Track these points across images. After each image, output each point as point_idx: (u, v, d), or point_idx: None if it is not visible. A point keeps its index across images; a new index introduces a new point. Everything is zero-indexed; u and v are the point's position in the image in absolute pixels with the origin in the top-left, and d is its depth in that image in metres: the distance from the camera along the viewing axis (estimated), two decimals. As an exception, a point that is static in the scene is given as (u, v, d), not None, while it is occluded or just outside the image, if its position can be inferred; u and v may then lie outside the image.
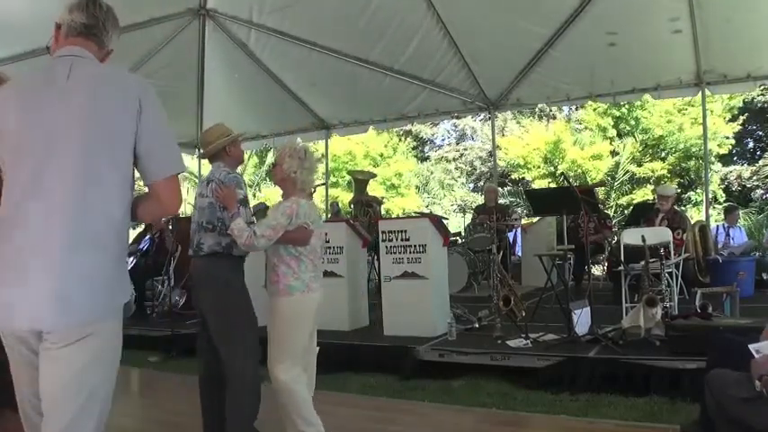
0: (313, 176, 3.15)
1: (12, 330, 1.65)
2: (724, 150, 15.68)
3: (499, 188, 11.79)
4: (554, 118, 19.09)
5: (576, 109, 17.61)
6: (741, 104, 15.55)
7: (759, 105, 16.28)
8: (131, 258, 8.02)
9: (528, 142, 17.25)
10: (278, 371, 2.92)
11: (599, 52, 7.27)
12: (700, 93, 7.79)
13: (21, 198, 1.64)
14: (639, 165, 15.56)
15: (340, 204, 11.96)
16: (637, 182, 15.54)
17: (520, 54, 7.76)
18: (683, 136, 15.11)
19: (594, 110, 16.25)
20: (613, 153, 16.06)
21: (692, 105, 14.56)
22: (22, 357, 1.67)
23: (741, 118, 15.71)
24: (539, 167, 16.76)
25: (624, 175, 15.36)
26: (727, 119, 15.25)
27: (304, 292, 2.98)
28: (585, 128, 17.17)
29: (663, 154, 15.65)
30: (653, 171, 15.26)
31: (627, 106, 15.56)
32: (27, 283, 1.58)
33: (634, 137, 15.83)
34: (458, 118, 18.60)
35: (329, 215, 11.14)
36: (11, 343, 1.67)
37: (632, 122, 16.01)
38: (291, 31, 7.60)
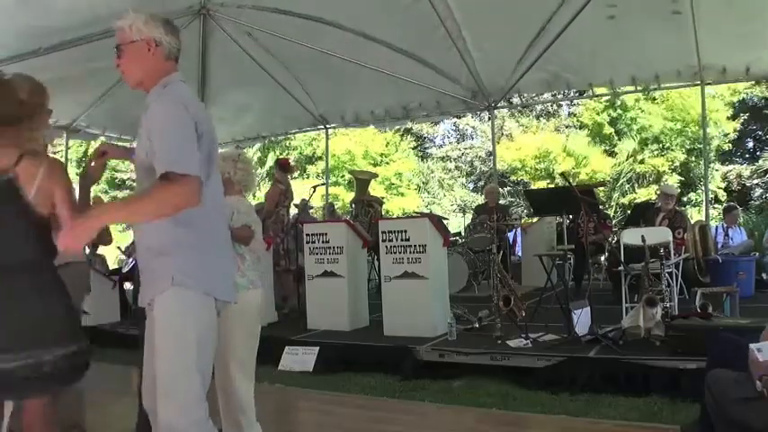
0: (250, 177, 3.22)
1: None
2: (726, 147, 15.73)
3: (500, 188, 11.80)
4: (553, 116, 19.13)
5: (574, 104, 17.67)
6: (740, 99, 15.57)
7: (756, 104, 16.30)
8: (131, 259, 8.04)
9: (520, 146, 17.33)
10: (237, 377, 2.91)
11: (599, 47, 7.26)
12: (699, 89, 7.80)
13: (221, 197, 2.17)
14: (641, 162, 15.59)
15: (340, 204, 11.94)
16: (638, 180, 15.57)
17: (520, 51, 7.72)
18: (684, 135, 15.16)
19: (592, 108, 16.31)
20: (611, 153, 16.08)
21: (693, 108, 14.58)
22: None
23: (742, 117, 15.75)
24: (536, 170, 16.82)
25: (628, 172, 15.38)
26: (728, 115, 15.28)
27: (249, 289, 3.03)
28: (582, 126, 17.22)
29: (665, 152, 15.66)
30: (653, 167, 15.29)
31: (622, 106, 15.63)
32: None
33: (632, 137, 15.85)
34: (458, 117, 18.65)
35: (325, 216, 11.12)
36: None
37: (628, 121, 16.05)
38: (291, 32, 7.58)
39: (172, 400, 1.88)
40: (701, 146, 14.64)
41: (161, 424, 1.89)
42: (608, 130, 16.43)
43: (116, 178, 19.91)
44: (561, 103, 17.82)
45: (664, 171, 15.19)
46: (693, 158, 15.32)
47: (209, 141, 1.97)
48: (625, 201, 15.30)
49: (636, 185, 15.58)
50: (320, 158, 19.01)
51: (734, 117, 15.47)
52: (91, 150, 2.37)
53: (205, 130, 1.94)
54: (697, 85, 7.70)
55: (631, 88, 8.37)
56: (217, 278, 2.02)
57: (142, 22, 2.00)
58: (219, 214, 2.13)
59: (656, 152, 15.70)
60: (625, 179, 15.46)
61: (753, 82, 8.28)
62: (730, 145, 16.29)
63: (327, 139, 10.91)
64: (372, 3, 7.09)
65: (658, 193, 8.24)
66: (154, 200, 1.82)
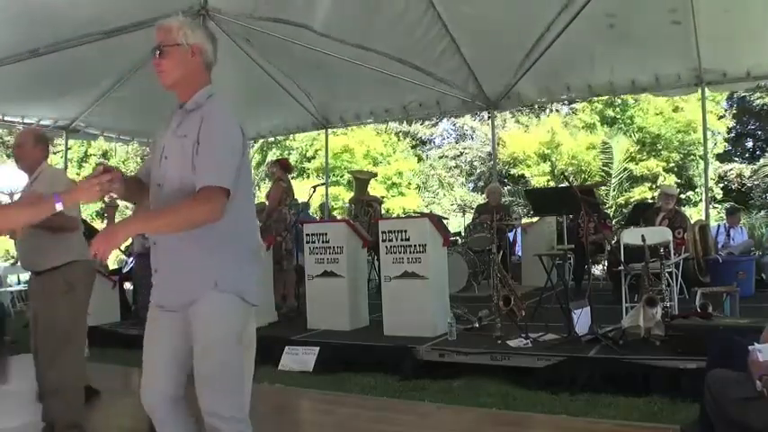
0: None
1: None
2: (719, 149, 15.74)
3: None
4: (552, 111, 19.12)
5: (572, 114, 17.68)
6: (728, 98, 15.61)
7: (757, 108, 16.32)
8: (131, 258, 8.04)
9: (527, 136, 17.38)
10: None
11: (599, 50, 7.27)
12: (694, 95, 7.79)
13: (253, 204, 2.29)
14: (636, 162, 15.60)
15: (340, 203, 11.87)
16: (634, 180, 15.57)
17: (519, 53, 7.72)
18: (680, 135, 15.17)
19: (590, 110, 16.31)
20: (606, 150, 16.08)
21: (686, 102, 14.59)
22: None
23: (731, 113, 15.79)
24: (538, 164, 16.81)
25: (623, 172, 15.38)
26: (719, 115, 15.32)
27: None
28: (582, 125, 17.21)
29: (660, 153, 15.67)
30: (648, 169, 15.29)
31: (621, 106, 15.64)
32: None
33: (631, 136, 15.85)
34: (456, 117, 18.63)
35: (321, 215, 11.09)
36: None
37: (627, 121, 16.05)
38: (291, 32, 7.57)
39: (230, 397, 2.02)
40: (694, 147, 14.72)
41: (218, 420, 1.98)
42: (602, 132, 16.43)
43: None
44: (562, 105, 17.83)
45: (657, 173, 15.21)
46: (689, 159, 15.33)
47: (246, 153, 2.11)
48: (621, 200, 15.29)
49: (634, 184, 15.57)
50: (314, 157, 19.01)
51: (723, 116, 15.52)
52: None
53: (246, 144, 2.09)
54: (697, 85, 7.68)
55: (631, 90, 8.36)
56: (249, 283, 2.12)
57: (190, 28, 2.08)
58: (251, 220, 2.23)
59: (652, 153, 15.72)
60: (624, 177, 15.45)
61: (753, 87, 8.27)
62: (726, 144, 16.30)
63: (327, 139, 10.90)
64: (374, 18, 7.12)
65: (658, 192, 8.24)
66: (181, 215, 1.93)
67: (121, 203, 8.26)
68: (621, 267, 5.50)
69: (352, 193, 10.92)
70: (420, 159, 21.67)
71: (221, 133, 1.98)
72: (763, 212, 13.98)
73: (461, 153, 21.13)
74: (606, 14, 6.58)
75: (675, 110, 15.03)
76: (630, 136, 15.81)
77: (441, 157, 21.53)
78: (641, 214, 7.17)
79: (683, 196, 14.68)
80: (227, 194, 1.93)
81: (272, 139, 12.80)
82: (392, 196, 18.35)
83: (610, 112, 16.19)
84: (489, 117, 9.62)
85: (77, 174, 17.89)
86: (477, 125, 20.26)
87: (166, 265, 2.09)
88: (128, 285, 7.76)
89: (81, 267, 3.27)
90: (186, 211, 1.92)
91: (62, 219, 2.89)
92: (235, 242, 2.06)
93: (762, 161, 16.28)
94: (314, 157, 19.05)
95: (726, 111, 15.85)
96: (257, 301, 2.17)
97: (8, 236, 2.54)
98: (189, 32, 2.06)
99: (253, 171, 19.10)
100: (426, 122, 20.90)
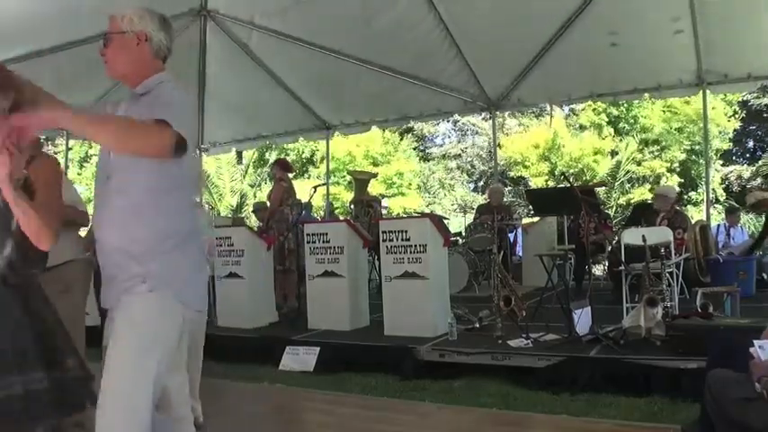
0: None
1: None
2: (726, 146, 15.74)
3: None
4: (553, 112, 19.16)
5: (572, 114, 17.65)
6: (740, 99, 15.64)
7: (755, 107, 16.34)
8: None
9: (527, 138, 17.35)
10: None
11: (600, 52, 7.27)
12: (700, 92, 7.80)
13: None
14: (639, 164, 15.60)
15: (340, 204, 11.89)
16: (636, 181, 15.58)
17: (521, 54, 7.75)
18: (685, 134, 15.17)
19: (594, 110, 16.29)
20: (613, 153, 16.07)
21: (692, 105, 14.58)
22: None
23: (741, 114, 15.81)
24: (537, 165, 16.79)
25: (625, 175, 15.38)
26: (729, 114, 15.32)
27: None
28: (581, 126, 17.21)
29: (663, 153, 15.67)
30: (652, 170, 15.29)
31: (625, 105, 15.62)
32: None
33: (633, 136, 15.86)
34: (460, 116, 18.68)
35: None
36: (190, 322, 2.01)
37: (631, 121, 16.05)
38: (292, 33, 7.59)
39: (120, 407, 1.84)
40: (701, 146, 14.74)
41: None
42: (607, 131, 16.42)
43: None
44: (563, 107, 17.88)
45: (661, 173, 15.20)
46: (693, 157, 15.35)
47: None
48: (623, 201, 15.30)
49: (635, 185, 15.59)
50: (319, 160, 18.99)
51: (733, 115, 15.51)
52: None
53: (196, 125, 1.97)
54: (698, 86, 7.68)
55: (633, 91, 8.38)
56: (189, 285, 1.96)
57: (137, 15, 1.96)
58: (191, 219, 2.03)
59: (655, 153, 15.71)
60: (625, 179, 15.45)
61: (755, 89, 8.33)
62: (730, 144, 16.31)
63: (328, 140, 10.90)
64: (374, 22, 7.13)
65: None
66: (124, 127, 1.71)
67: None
68: (622, 267, 5.49)
69: (351, 194, 10.92)
70: (421, 159, 21.68)
71: (176, 101, 1.84)
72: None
73: (461, 153, 21.16)
74: (609, 32, 6.64)
75: (687, 102, 15.00)
76: (634, 136, 15.82)
77: (443, 156, 21.54)
78: (642, 214, 7.16)
79: (685, 196, 14.70)
80: (182, 142, 1.71)
81: (273, 141, 12.77)
82: (393, 195, 18.34)
83: (613, 111, 16.18)
84: (490, 117, 9.61)
85: (78, 174, 17.89)
86: (478, 121, 20.27)
87: (107, 261, 1.96)
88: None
89: (79, 266, 3.22)
90: (126, 126, 1.72)
91: (73, 212, 2.90)
92: (175, 240, 1.90)
93: (761, 162, 16.31)
94: (317, 159, 19.01)
95: (737, 111, 15.82)
96: (199, 305, 2.02)
97: None
98: (135, 20, 1.95)
99: (253, 172, 19.23)
100: (430, 121, 20.93)
